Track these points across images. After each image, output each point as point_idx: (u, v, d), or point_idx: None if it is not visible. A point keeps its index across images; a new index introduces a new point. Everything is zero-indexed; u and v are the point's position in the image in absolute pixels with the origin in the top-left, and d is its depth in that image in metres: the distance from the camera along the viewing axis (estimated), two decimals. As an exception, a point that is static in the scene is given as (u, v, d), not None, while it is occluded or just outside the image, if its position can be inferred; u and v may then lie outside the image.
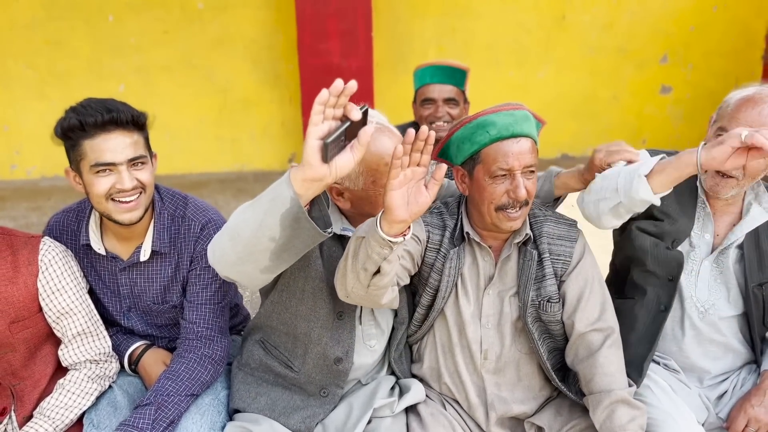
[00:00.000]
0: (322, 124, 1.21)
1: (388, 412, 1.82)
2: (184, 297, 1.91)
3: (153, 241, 1.85)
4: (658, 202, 1.62)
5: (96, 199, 1.73)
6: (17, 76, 5.60)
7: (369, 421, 1.80)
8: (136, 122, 1.71)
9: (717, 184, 1.75)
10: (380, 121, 1.69)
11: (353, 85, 1.20)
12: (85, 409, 1.82)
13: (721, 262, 1.85)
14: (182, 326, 1.90)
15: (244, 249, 1.38)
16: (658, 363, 1.95)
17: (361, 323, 1.83)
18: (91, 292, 1.93)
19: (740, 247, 1.83)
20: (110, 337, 1.97)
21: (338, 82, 1.19)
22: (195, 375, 1.81)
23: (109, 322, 1.99)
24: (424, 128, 1.30)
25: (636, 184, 1.59)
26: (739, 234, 1.81)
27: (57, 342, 1.88)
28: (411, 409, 1.85)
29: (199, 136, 5.96)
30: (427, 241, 1.78)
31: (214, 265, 1.47)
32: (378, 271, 1.44)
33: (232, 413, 1.88)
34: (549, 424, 1.79)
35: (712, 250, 1.85)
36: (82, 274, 1.89)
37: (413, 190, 1.36)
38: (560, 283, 1.75)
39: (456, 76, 2.67)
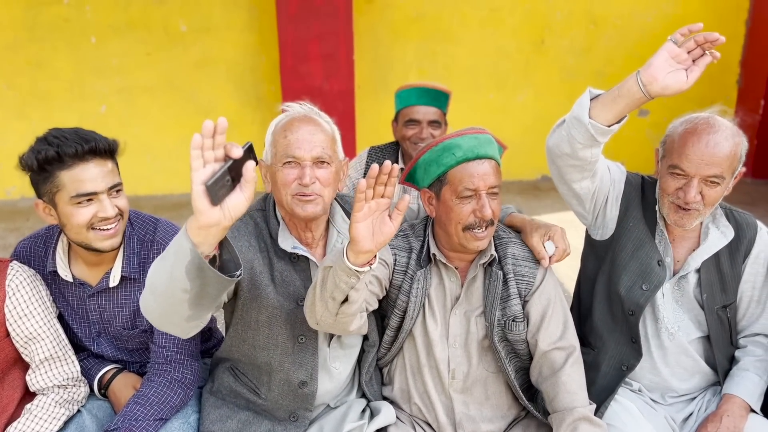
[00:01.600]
0: (203, 168, 1.17)
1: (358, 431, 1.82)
2: None
3: (123, 267, 1.84)
4: (588, 125, 1.56)
5: (76, 229, 1.72)
6: (-3, 97, 5.58)
7: None
8: (111, 150, 1.73)
9: (681, 218, 1.77)
10: (305, 110, 1.73)
11: (223, 122, 1.15)
12: None
13: (681, 286, 1.88)
14: (152, 350, 1.89)
15: (164, 302, 1.35)
16: (624, 385, 1.97)
17: (328, 346, 1.84)
18: (60, 318, 1.92)
19: (698, 271, 1.86)
20: (81, 360, 1.95)
21: (207, 124, 1.15)
22: (164, 399, 1.80)
23: (78, 347, 1.97)
24: (387, 162, 1.36)
25: (580, 97, 1.59)
26: (698, 260, 1.84)
27: (25, 367, 1.86)
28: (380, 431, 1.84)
29: (180, 157, 5.95)
30: (395, 264, 1.81)
31: (146, 317, 1.44)
32: (346, 300, 1.48)
33: (202, 437, 1.87)
34: None
35: (674, 274, 1.88)
36: (50, 298, 1.88)
37: (378, 221, 1.40)
38: (524, 303, 1.79)
39: (440, 98, 2.75)
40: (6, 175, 5.77)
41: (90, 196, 1.69)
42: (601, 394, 1.91)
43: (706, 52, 1.48)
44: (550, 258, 1.78)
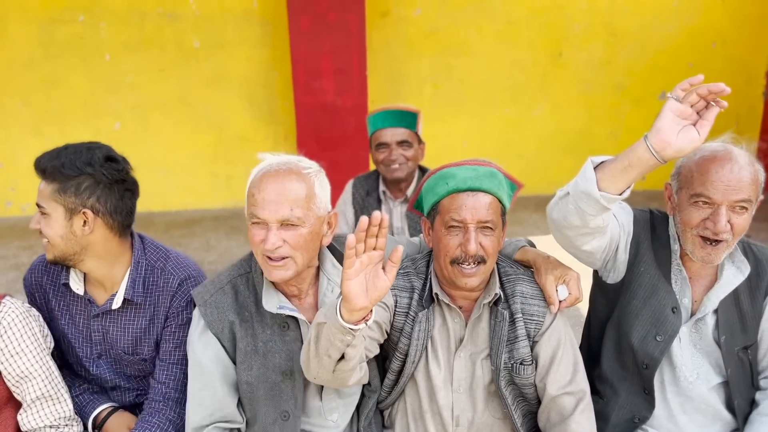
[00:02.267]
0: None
1: None
2: (156, 353, 1.87)
3: (126, 289, 1.82)
4: (599, 198, 1.50)
5: None
6: (13, 114, 5.63)
7: None
8: (58, 178, 1.71)
9: (709, 254, 1.67)
10: (280, 162, 1.64)
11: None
12: None
13: (699, 329, 1.78)
14: (151, 386, 1.85)
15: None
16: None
17: (321, 399, 1.77)
18: (63, 337, 1.91)
19: (716, 311, 1.76)
20: (77, 395, 1.92)
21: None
22: None
23: (76, 374, 1.96)
24: (376, 213, 1.30)
25: (582, 170, 1.52)
26: (715, 300, 1.74)
27: (17, 405, 1.82)
28: None
29: (193, 173, 5.95)
30: (395, 306, 1.73)
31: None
32: (342, 357, 1.42)
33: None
34: None
35: (691, 315, 1.78)
36: (44, 333, 1.84)
37: (371, 275, 1.34)
38: (533, 345, 1.70)
39: (407, 118, 2.76)
40: (22, 192, 5.83)
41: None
42: None
43: (711, 102, 1.40)
44: (560, 303, 1.69)
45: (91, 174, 1.72)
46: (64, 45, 5.55)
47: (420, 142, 2.83)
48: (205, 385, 1.67)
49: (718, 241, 1.63)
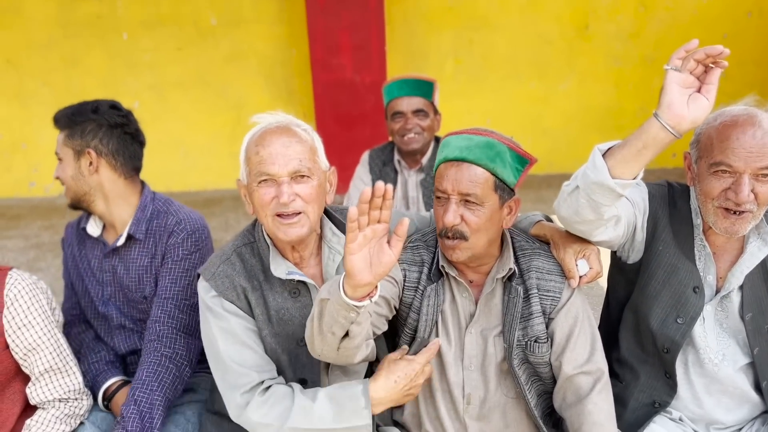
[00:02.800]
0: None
1: None
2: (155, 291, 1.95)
3: (130, 226, 1.95)
4: (615, 186, 1.42)
5: None
6: (34, 95, 5.67)
7: None
8: (67, 124, 1.94)
9: (733, 224, 1.56)
10: (278, 120, 1.62)
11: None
12: None
13: (725, 307, 1.67)
14: (147, 327, 1.88)
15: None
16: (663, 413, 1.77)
17: (327, 374, 1.71)
18: (81, 281, 2.07)
19: (741, 287, 1.65)
20: (92, 363, 1.96)
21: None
22: (158, 378, 1.78)
23: (92, 314, 2.07)
24: (380, 183, 1.24)
25: (591, 160, 1.45)
26: (740, 276, 1.63)
27: (25, 379, 1.81)
28: None
29: (213, 153, 5.93)
30: (404, 281, 1.67)
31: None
32: (347, 335, 1.38)
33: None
34: None
35: (716, 293, 1.67)
36: (53, 306, 1.83)
37: (375, 249, 1.28)
38: (548, 322, 1.63)
39: (423, 87, 2.72)
40: (45, 172, 5.88)
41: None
42: (627, 431, 1.72)
43: (711, 65, 1.33)
44: (580, 278, 1.62)
45: (94, 119, 1.92)
46: (83, 24, 5.54)
47: (436, 112, 2.77)
48: (243, 348, 1.61)
49: (742, 211, 1.53)
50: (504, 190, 1.57)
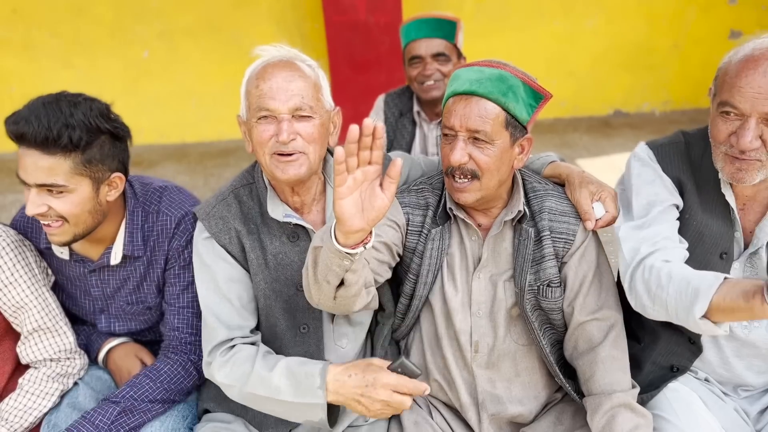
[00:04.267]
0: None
1: (361, 420, 1.67)
2: (161, 299, 1.79)
3: (125, 245, 1.71)
4: (722, 332, 1.35)
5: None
6: (42, 46, 5.56)
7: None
8: (62, 145, 1.48)
9: (738, 171, 1.41)
10: (281, 53, 1.54)
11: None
12: (45, 411, 1.73)
13: (755, 264, 1.52)
14: (165, 335, 1.78)
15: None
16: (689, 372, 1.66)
17: (332, 322, 1.67)
18: (62, 291, 1.84)
19: None
20: (93, 326, 1.88)
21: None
22: (177, 379, 1.70)
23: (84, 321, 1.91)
24: (367, 121, 1.18)
25: (694, 320, 1.34)
26: (766, 231, 1.49)
27: (16, 337, 1.78)
28: (393, 417, 1.68)
29: (226, 102, 5.69)
30: (408, 225, 1.61)
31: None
32: (342, 283, 1.34)
33: (201, 414, 1.79)
34: None
35: (745, 249, 1.53)
36: (41, 266, 1.77)
37: (367, 193, 1.23)
38: (561, 266, 1.58)
39: (444, 28, 2.45)
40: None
41: (27, 184, 1.53)
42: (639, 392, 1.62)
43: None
44: (596, 222, 1.56)
45: (108, 130, 1.55)
46: (88, -29, 5.37)
47: (460, 56, 2.53)
48: (220, 299, 1.59)
49: (747, 159, 1.38)
50: (516, 127, 1.48)
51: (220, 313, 1.57)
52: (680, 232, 1.56)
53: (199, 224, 1.62)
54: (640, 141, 1.66)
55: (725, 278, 1.29)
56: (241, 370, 1.51)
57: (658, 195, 1.53)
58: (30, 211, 1.52)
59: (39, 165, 1.48)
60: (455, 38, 2.48)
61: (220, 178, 4.90)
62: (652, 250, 1.45)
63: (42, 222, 1.57)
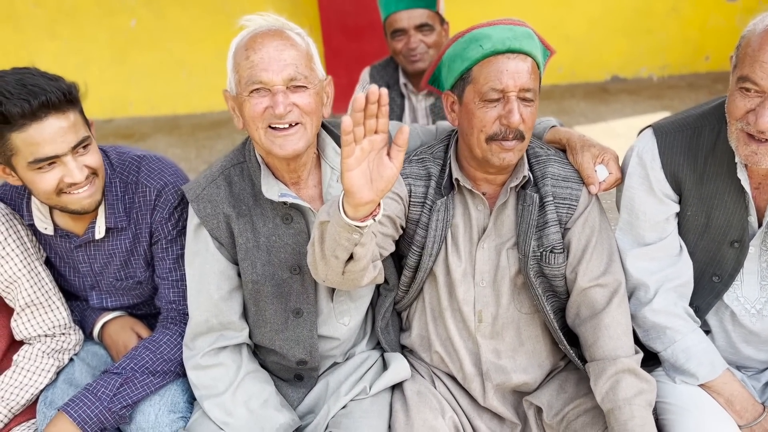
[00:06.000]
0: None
1: (363, 394, 1.65)
2: (150, 272, 1.76)
3: (107, 217, 1.67)
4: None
5: (42, 196, 1.55)
6: (26, 15, 5.44)
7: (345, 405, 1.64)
8: (70, 99, 1.49)
9: (754, 153, 1.35)
10: (269, 22, 1.48)
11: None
12: (42, 387, 1.71)
13: None
14: (162, 308, 1.75)
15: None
16: None
17: (332, 301, 1.64)
18: (53, 269, 1.80)
19: None
20: (87, 302, 1.84)
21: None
22: (176, 350, 1.67)
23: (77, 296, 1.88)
24: (373, 87, 1.14)
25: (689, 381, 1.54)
26: None
27: (9, 314, 1.75)
28: (396, 387, 1.68)
29: (217, 72, 5.58)
30: (410, 196, 1.58)
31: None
32: (351, 257, 1.31)
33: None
34: (549, 403, 1.61)
35: (759, 226, 1.50)
36: (34, 241, 1.73)
37: (374, 163, 1.20)
38: (564, 231, 1.56)
39: None
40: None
41: (52, 160, 1.47)
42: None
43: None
44: (600, 184, 1.56)
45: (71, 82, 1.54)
46: (71, -64, 5.21)
47: (443, 22, 2.43)
48: (202, 288, 1.58)
49: (766, 139, 1.31)
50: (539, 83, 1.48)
51: (200, 304, 1.58)
52: (681, 228, 1.56)
53: (190, 207, 1.59)
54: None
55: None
56: (214, 386, 1.58)
57: (656, 213, 1.55)
58: (80, 178, 1.51)
59: (63, 127, 1.46)
60: (437, 5, 2.39)
61: (212, 150, 4.83)
62: (657, 287, 1.53)
63: (80, 188, 1.53)
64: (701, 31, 5.82)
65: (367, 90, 1.14)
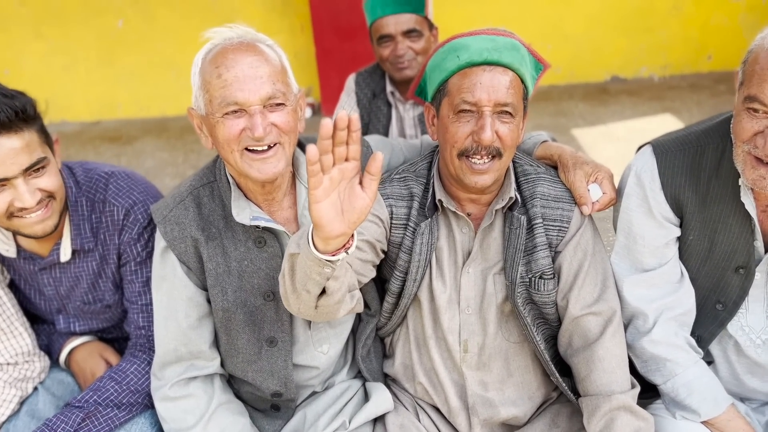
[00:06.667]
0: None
1: (342, 429, 1.57)
2: (120, 295, 1.69)
3: (72, 238, 1.59)
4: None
5: None
6: (12, 15, 5.36)
7: None
8: (23, 117, 1.40)
9: (763, 177, 1.26)
10: (238, 34, 1.38)
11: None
12: (3, 419, 1.63)
13: None
14: (131, 333, 1.68)
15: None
16: None
17: (310, 329, 1.56)
18: (18, 292, 1.74)
19: None
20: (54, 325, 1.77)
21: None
22: (144, 380, 1.60)
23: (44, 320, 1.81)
24: (342, 114, 1.05)
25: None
26: None
27: None
28: (378, 420, 1.61)
29: (207, 73, 5.59)
30: (391, 218, 1.49)
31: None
32: (324, 292, 1.23)
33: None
34: None
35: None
36: None
37: (345, 193, 1.11)
38: (555, 255, 1.48)
39: (412, 1, 2.23)
40: (32, 99, 5.61)
41: (1, 182, 1.40)
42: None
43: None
44: (593, 204, 1.48)
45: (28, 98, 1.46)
46: (57, -65, 5.11)
47: (431, 27, 2.32)
48: (169, 314, 1.51)
49: None
50: (526, 99, 1.42)
51: (168, 332, 1.50)
52: (682, 253, 1.48)
53: (158, 230, 1.51)
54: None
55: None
56: (183, 419, 1.49)
57: (655, 237, 1.47)
58: (30, 203, 1.42)
59: (14, 148, 1.37)
60: (425, 10, 2.28)
61: (200, 154, 4.74)
62: (657, 316, 1.46)
63: (31, 213, 1.44)
64: (703, 29, 5.73)
65: (336, 116, 1.03)
